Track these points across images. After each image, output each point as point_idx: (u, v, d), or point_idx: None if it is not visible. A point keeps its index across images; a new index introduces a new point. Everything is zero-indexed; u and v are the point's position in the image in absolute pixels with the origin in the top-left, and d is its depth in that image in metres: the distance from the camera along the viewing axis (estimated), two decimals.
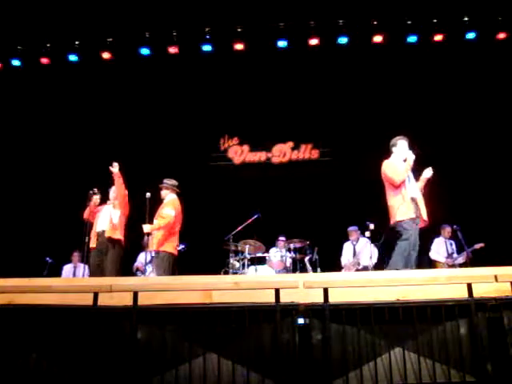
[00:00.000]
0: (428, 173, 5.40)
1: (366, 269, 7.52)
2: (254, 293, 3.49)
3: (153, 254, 6.47)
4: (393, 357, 3.12)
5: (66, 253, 7.79)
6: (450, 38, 8.66)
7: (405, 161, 5.35)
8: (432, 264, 7.84)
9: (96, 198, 6.74)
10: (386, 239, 5.41)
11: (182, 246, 8.17)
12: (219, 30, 8.85)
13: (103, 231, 6.50)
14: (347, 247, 8.17)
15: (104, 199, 6.83)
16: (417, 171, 5.48)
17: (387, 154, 5.62)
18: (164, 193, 6.63)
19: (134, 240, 6.74)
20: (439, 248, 7.88)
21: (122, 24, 8.72)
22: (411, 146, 5.47)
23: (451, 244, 7.83)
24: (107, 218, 6.59)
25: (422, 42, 8.75)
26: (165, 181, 6.71)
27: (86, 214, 6.66)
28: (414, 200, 5.19)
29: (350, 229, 8.13)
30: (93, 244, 6.51)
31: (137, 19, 8.62)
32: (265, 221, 7.97)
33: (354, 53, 9.12)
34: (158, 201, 6.63)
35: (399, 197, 5.19)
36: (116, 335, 3.19)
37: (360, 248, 7.91)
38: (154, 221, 6.43)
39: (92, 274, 6.44)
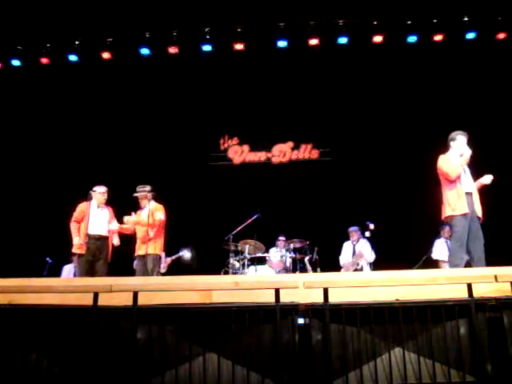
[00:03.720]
0: (487, 179, 5.47)
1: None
2: (254, 293, 3.49)
3: (150, 258, 6.45)
4: (393, 357, 3.12)
5: (65, 253, 7.78)
6: (450, 37, 8.66)
7: (461, 156, 5.41)
8: (435, 264, 7.85)
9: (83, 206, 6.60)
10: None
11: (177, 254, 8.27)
12: (219, 30, 8.85)
13: (100, 236, 6.49)
14: (347, 247, 8.17)
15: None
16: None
17: (445, 147, 5.65)
18: (144, 202, 6.62)
19: (134, 240, 6.72)
20: (441, 248, 7.88)
21: (122, 24, 8.72)
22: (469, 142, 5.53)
23: None
24: (103, 222, 6.59)
25: (422, 42, 8.75)
26: (140, 189, 6.68)
27: (74, 226, 6.52)
28: (467, 194, 5.29)
29: (351, 229, 8.13)
30: (78, 250, 6.43)
31: (137, 19, 8.62)
32: (265, 221, 7.98)
33: (354, 53, 9.12)
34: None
35: (454, 191, 5.30)
36: (116, 335, 3.19)
37: (360, 248, 7.92)
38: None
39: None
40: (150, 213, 6.44)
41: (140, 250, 6.50)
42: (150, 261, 6.38)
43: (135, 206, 6.82)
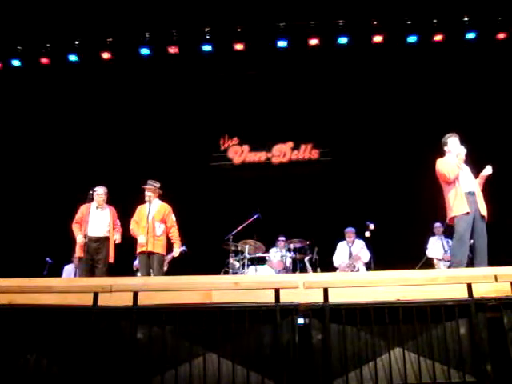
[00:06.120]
0: (487, 171, 5.50)
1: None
2: (254, 293, 3.49)
3: (157, 257, 6.39)
4: (393, 357, 3.12)
5: (66, 253, 7.78)
6: (450, 37, 8.67)
7: (457, 156, 5.43)
8: (430, 262, 7.85)
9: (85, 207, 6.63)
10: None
11: (182, 248, 8.18)
12: (219, 30, 8.85)
13: (98, 237, 6.48)
14: (342, 247, 8.07)
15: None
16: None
17: (441, 152, 5.67)
18: (150, 195, 6.51)
19: (134, 240, 6.72)
20: (435, 246, 7.89)
21: (122, 24, 8.73)
22: (462, 141, 5.56)
23: (448, 242, 7.83)
24: (103, 223, 6.58)
25: (422, 42, 8.76)
26: (151, 182, 6.61)
27: (75, 227, 6.55)
28: (469, 194, 5.31)
29: (348, 230, 8.07)
30: (79, 254, 6.45)
31: (137, 19, 8.62)
32: (265, 221, 7.98)
33: (354, 53, 9.13)
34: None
35: (453, 192, 5.33)
36: (116, 335, 3.19)
37: (356, 250, 7.87)
38: (157, 224, 6.42)
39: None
40: (166, 213, 6.49)
41: (157, 248, 6.36)
42: (163, 262, 6.40)
43: (135, 206, 6.81)
